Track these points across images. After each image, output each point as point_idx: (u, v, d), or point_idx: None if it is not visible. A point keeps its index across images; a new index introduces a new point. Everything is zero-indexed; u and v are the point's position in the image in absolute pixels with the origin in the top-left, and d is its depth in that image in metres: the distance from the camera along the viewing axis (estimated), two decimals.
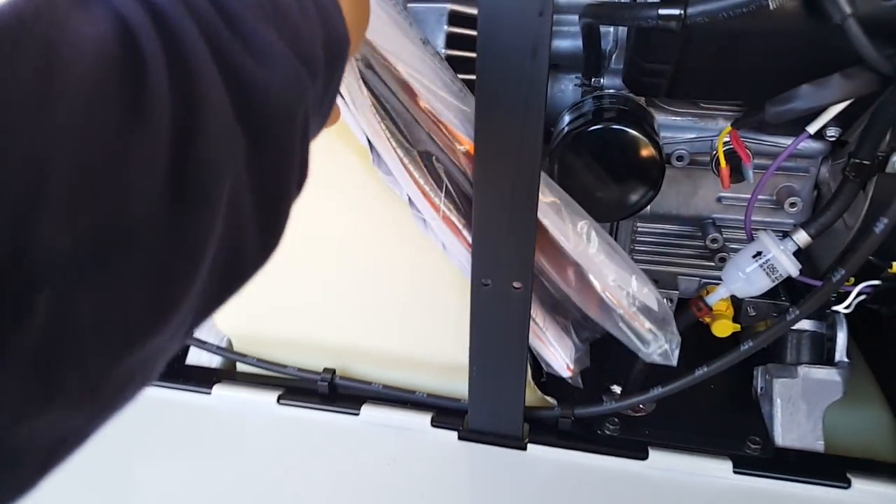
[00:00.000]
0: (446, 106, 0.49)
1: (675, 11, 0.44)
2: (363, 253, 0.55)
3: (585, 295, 0.53)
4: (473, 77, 0.46)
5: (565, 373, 0.54)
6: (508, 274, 0.50)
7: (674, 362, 0.51)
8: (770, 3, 0.41)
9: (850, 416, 0.57)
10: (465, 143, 0.49)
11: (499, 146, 0.46)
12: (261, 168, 0.22)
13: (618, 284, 0.51)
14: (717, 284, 0.59)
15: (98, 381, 0.18)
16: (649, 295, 0.52)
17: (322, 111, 0.28)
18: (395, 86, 0.50)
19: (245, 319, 0.60)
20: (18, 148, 0.16)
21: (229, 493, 0.53)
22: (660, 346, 0.52)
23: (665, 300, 0.61)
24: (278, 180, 0.24)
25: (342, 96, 0.48)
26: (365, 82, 0.49)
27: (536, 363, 0.56)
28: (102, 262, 0.17)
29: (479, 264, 0.50)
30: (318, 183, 0.53)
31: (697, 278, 0.63)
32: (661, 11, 0.44)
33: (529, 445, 0.54)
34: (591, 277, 0.51)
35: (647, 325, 0.52)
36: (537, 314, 0.54)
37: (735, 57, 0.48)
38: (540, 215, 0.48)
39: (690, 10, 0.43)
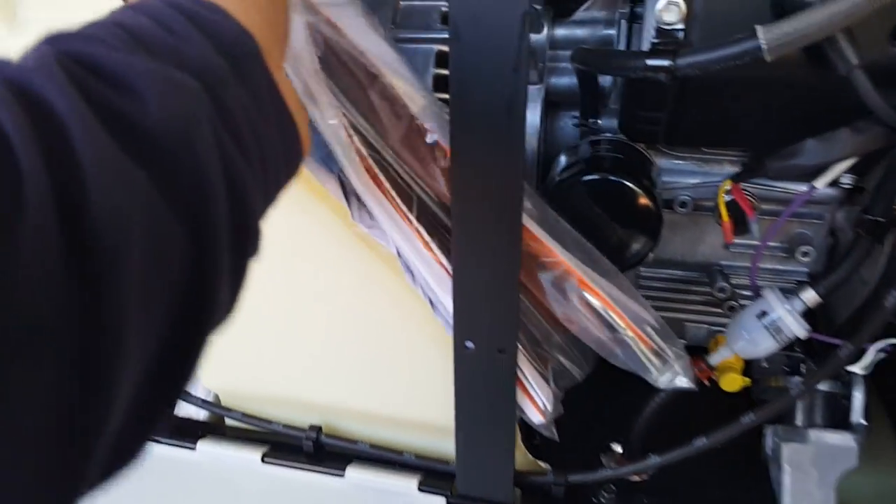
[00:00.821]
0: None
1: (664, 63, 0.40)
2: (348, 311, 0.53)
3: (578, 318, 0.49)
4: None
5: (537, 417, 0.51)
6: (492, 339, 0.47)
7: (688, 384, 0.48)
8: (766, 56, 0.38)
9: (868, 481, 0.53)
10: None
11: (476, 204, 0.44)
12: (176, 197, 0.21)
13: (621, 303, 0.47)
14: (725, 334, 0.55)
15: None
16: (650, 314, 0.48)
17: (264, 109, 0.27)
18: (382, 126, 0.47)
19: (230, 374, 0.58)
20: None
21: None
22: (671, 371, 0.48)
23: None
24: (200, 202, 0.22)
25: (335, 154, 0.46)
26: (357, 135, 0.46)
27: (528, 425, 0.53)
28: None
29: (461, 326, 0.47)
30: (300, 240, 0.51)
31: (706, 326, 0.59)
32: (649, 62, 0.41)
33: None
34: (591, 297, 0.47)
35: (656, 342, 0.48)
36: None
37: (733, 105, 0.44)
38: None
39: (680, 62, 0.40)
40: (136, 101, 0.21)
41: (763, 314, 0.48)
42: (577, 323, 0.48)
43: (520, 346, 0.51)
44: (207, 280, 0.22)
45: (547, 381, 0.52)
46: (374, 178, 0.47)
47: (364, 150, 0.47)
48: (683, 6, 0.41)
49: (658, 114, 0.46)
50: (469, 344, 0.48)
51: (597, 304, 0.47)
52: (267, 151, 0.27)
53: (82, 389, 0.18)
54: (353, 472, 0.55)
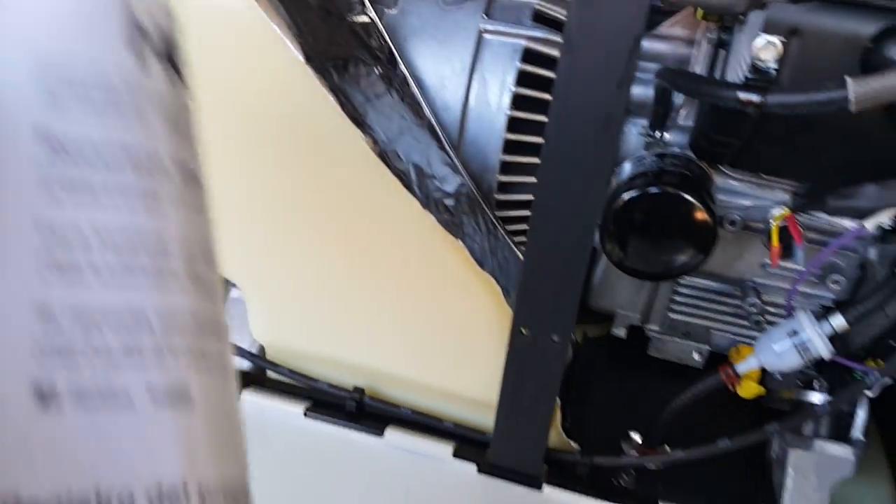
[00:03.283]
0: None
1: (755, 98, 0.44)
2: (409, 280, 0.56)
3: None
4: (538, 117, 0.45)
5: None
6: (549, 326, 0.50)
7: None
8: (851, 107, 0.41)
9: (856, 491, 0.59)
10: None
11: (559, 206, 0.47)
12: None
13: None
14: (748, 343, 0.60)
15: None
16: None
17: None
18: None
19: (280, 329, 0.61)
20: None
21: None
22: None
23: (696, 352, 0.62)
24: None
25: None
26: None
27: (563, 406, 0.57)
28: None
29: (521, 313, 0.51)
30: (367, 202, 0.53)
31: (730, 335, 0.63)
32: (741, 95, 0.44)
33: (546, 487, 0.56)
34: None
35: None
36: None
37: (807, 143, 0.48)
38: None
39: (770, 100, 0.43)
40: None
41: (794, 333, 0.52)
42: None
43: None
44: None
45: None
46: None
47: None
48: (780, 47, 0.44)
49: (732, 139, 0.49)
50: (525, 330, 0.51)
51: None
52: None
53: None
54: (392, 434, 0.58)
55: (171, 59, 0.23)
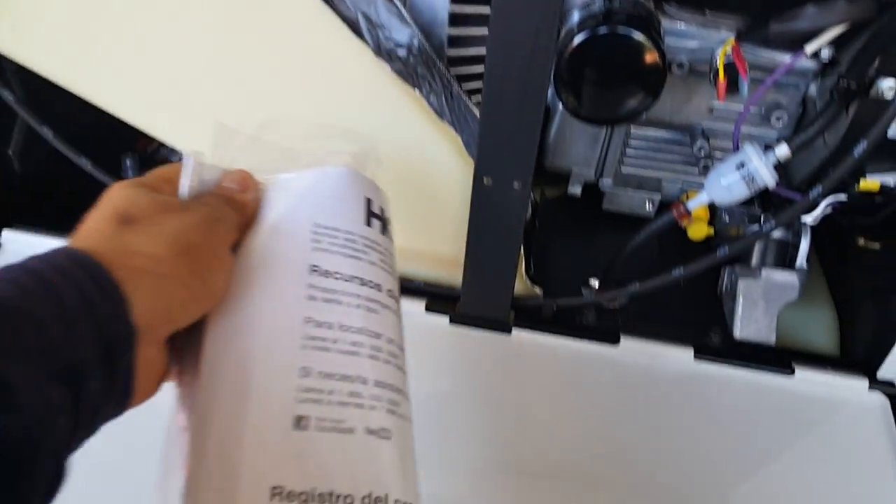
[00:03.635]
0: None
1: None
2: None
3: None
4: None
5: None
6: (510, 174, 0.52)
7: None
8: None
9: (800, 314, 0.63)
10: None
11: (511, 44, 0.47)
12: None
13: None
14: (697, 190, 0.63)
15: None
16: None
17: (112, 398, 0.28)
18: None
19: None
20: None
21: None
22: None
23: (648, 201, 0.65)
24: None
25: None
26: None
27: (528, 255, 0.60)
28: None
29: (483, 162, 0.52)
30: (311, 54, 0.53)
31: (680, 183, 0.66)
32: None
33: (514, 330, 0.59)
34: None
35: None
36: None
37: None
38: None
39: None
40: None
41: (741, 165, 0.55)
42: None
43: None
44: None
45: None
46: None
47: None
48: None
49: None
50: (487, 180, 0.53)
51: None
52: (97, 421, 0.28)
53: None
54: None
55: (384, 225, 0.40)
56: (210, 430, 0.30)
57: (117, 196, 0.32)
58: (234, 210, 0.35)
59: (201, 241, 0.32)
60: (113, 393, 0.28)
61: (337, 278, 0.35)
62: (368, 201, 0.39)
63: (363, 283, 0.36)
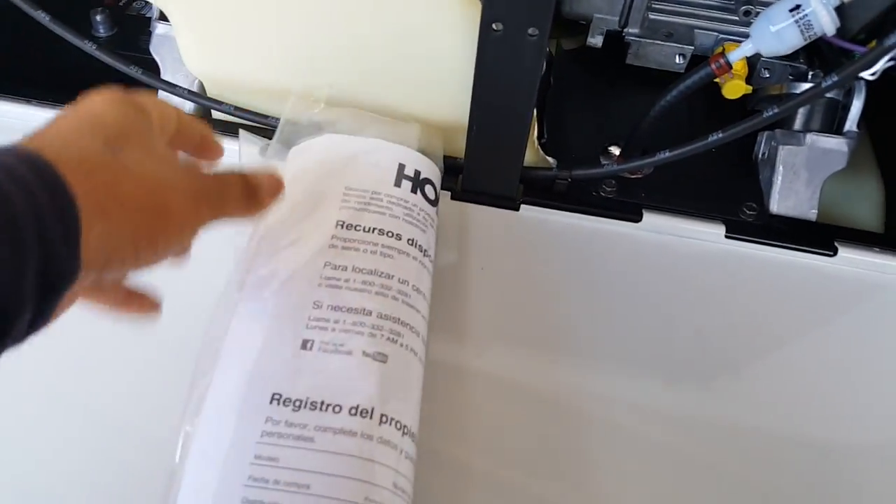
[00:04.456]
0: None
1: None
2: None
3: None
4: None
5: None
6: (524, 18, 0.44)
7: None
8: None
9: (844, 187, 0.57)
10: None
11: None
12: None
13: None
14: (736, 42, 0.55)
15: None
16: None
17: (31, 330, 0.26)
18: None
19: (219, 60, 0.53)
20: None
21: None
22: None
23: (678, 55, 0.57)
24: None
25: None
26: None
27: (541, 119, 0.52)
28: None
29: (492, 4, 0.44)
30: None
31: (716, 34, 0.57)
32: None
33: (523, 206, 0.53)
34: None
35: None
36: None
37: None
38: None
39: None
40: None
41: (796, 8, 0.46)
42: None
43: None
44: None
45: None
46: None
47: None
48: None
49: None
50: (497, 26, 0.44)
51: None
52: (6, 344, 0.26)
53: None
54: None
55: (417, 185, 0.47)
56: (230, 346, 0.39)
57: (112, 114, 0.29)
58: (245, 205, 0.35)
59: (185, 209, 0.31)
60: (32, 327, 0.26)
61: (358, 229, 0.42)
62: (401, 166, 0.46)
63: (382, 233, 0.43)
